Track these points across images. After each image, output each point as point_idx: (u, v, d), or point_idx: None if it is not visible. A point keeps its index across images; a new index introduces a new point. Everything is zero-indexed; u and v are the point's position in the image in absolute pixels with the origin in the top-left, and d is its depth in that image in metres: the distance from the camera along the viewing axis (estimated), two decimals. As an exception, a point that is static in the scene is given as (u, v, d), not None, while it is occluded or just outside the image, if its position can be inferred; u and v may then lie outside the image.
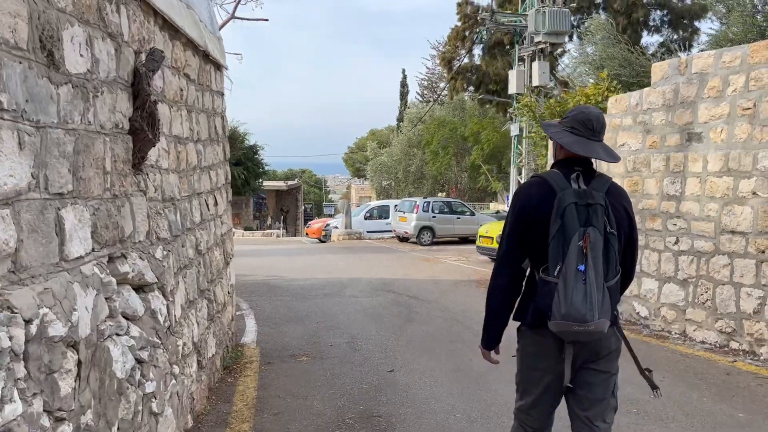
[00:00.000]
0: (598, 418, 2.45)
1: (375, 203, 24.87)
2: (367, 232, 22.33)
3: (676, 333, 6.83)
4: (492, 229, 13.96)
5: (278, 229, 31.12)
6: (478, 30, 24.25)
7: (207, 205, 5.05)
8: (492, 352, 2.63)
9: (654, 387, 2.65)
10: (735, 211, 6.08)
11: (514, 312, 2.51)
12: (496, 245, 12.18)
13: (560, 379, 2.39)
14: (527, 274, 2.46)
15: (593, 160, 2.41)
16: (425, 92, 42.78)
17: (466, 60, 27.00)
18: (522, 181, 19.87)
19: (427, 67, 45.38)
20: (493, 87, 26.66)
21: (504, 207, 24.91)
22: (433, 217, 19.82)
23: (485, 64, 26.45)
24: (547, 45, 21.17)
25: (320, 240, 22.81)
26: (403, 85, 48.40)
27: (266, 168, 40.09)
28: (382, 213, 23.90)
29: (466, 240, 20.41)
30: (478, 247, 14.80)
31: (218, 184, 5.68)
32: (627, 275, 2.51)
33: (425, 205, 19.84)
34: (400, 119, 45.76)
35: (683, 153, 6.73)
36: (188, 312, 4.03)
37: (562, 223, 2.22)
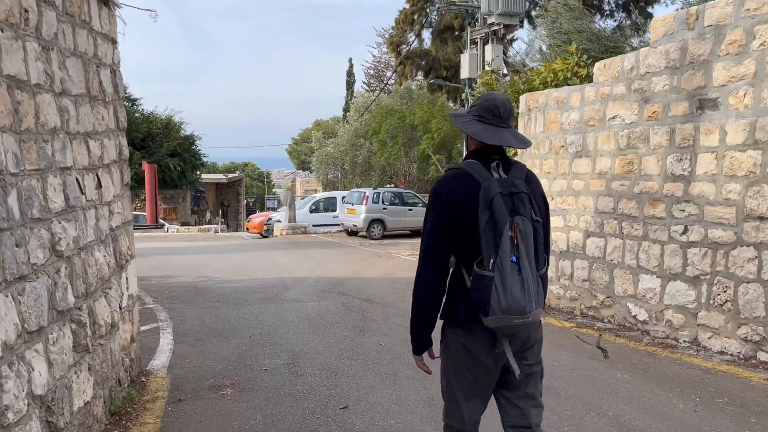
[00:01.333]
0: (531, 408, 2.39)
1: (321, 195, 23.32)
2: (313, 225, 20.80)
3: (685, 341, 5.70)
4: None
5: (218, 224, 29.17)
6: (428, 10, 23.00)
7: (80, 187, 3.53)
8: (425, 356, 2.48)
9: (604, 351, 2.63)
10: (764, 191, 4.96)
11: (440, 312, 2.40)
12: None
13: (491, 375, 2.34)
14: (452, 270, 2.35)
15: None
16: (372, 81, 41.38)
17: (415, 44, 25.78)
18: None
19: (374, 56, 44.17)
20: (443, 73, 25.56)
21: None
22: (384, 209, 18.49)
23: (435, 49, 25.30)
24: (501, 27, 20.12)
25: (262, 235, 21.15)
26: (350, 74, 46.86)
27: (205, 160, 37.91)
28: (329, 205, 22.42)
29: (419, 233, 19.22)
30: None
31: (105, 160, 4.15)
32: (547, 263, 2.39)
33: (375, 196, 18.48)
34: (346, 109, 44.25)
35: (693, 124, 5.59)
36: (22, 351, 2.54)
37: (491, 214, 2.14)
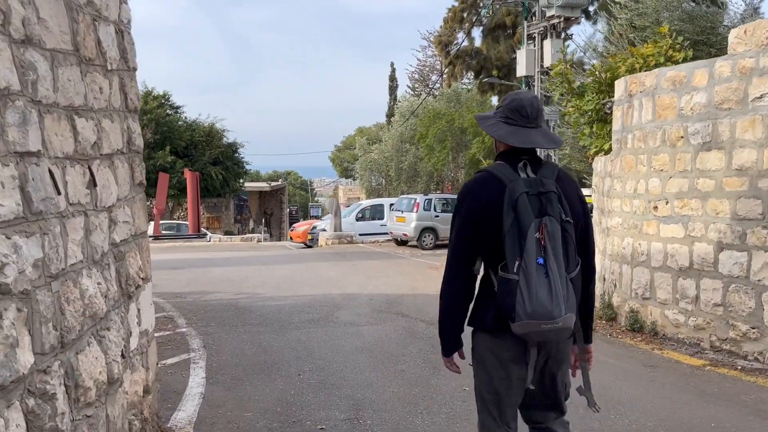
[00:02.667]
0: (552, 422, 2.35)
1: (367, 202, 22.14)
2: (359, 234, 19.64)
3: None
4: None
5: (261, 233, 28.34)
6: (481, 4, 21.66)
7: (55, 184, 2.36)
8: (455, 357, 2.40)
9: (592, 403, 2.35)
10: None
11: (468, 318, 2.33)
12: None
13: (523, 387, 2.23)
14: (481, 275, 2.30)
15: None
16: (416, 85, 40.16)
17: (465, 44, 24.46)
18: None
19: (418, 59, 43.03)
20: (496, 73, 24.15)
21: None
22: (436, 216, 17.19)
23: (486, 48, 23.94)
24: (561, 20, 18.66)
25: (306, 245, 20.09)
26: (392, 79, 45.71)
27: (248, 168, 37.30)
28: (376, 213, 21.24)
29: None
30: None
31: (104, 149, 2.99)
32: (589, 270, 2.30)
33: (426, 202, 17.20)
34: (389, 114, 43.13)
35: None
36: None
37: (516, 215, 2.07)
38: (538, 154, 2.35)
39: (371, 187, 37.12)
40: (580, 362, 2.34)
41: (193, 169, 28.80)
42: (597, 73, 9.72)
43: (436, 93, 31.68)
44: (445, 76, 27.12)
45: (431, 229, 17.05)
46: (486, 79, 22.97)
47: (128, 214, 3.32)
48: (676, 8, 9.63)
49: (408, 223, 17.07)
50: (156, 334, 3.98)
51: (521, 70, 19.53)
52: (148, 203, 30.96)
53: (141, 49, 4.57)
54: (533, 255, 2.01)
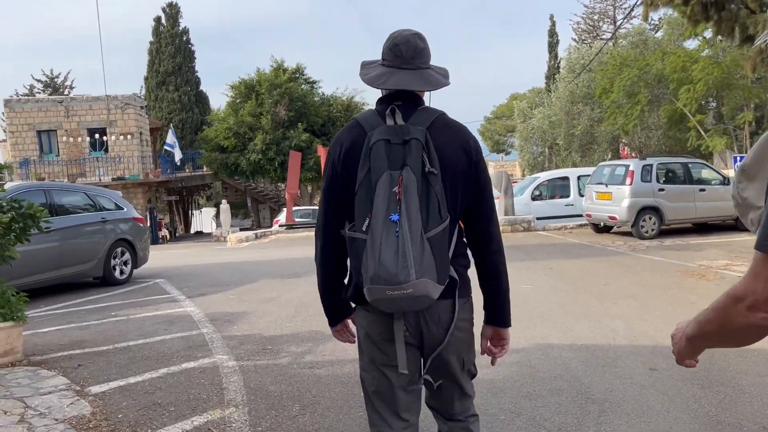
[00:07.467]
0: (450, 412, 2.02)
1: (546, 175, 16.94)
2: (537, 219, 14.71)
3: None
4: None
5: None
6: None
7: None
8: (342, 326, 2.12)
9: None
10: None
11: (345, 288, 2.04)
12: None
13: (402, 371, 1.88)
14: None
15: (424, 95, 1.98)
16: (584, 36, 33.83)
17: (667, -41, 18.22)
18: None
19: (585, 5, 36.49)
20: (713, -5, 17.71)
21: (727, 172, 15.99)
22: (660, 190, 11.78)
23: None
24: None
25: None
26: (552, 34, 39.38)
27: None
28: (555, 190, 16.11)
29: (713, 227, 12.29)
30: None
31: None
32: (483, 229, 1.96)
33: (644, 171, 11.83)
34: (550, 76, 37.18)
35: None
36: None
37: (369, 165, 1.78)
38: (426, 101, 1.98)
39: (533, 160, 31.66)
40: (487, 348, 2.03)
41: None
42: None
43: (618, 37, 25.51)
44: (640, 4, 20.92)
45: (653, 209, 11.70)
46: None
47: None
48: None
49: (617, 201, 11.84)
50: None
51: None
52: (280, 187, 27.75)
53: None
54: (383, 211, 1.71)
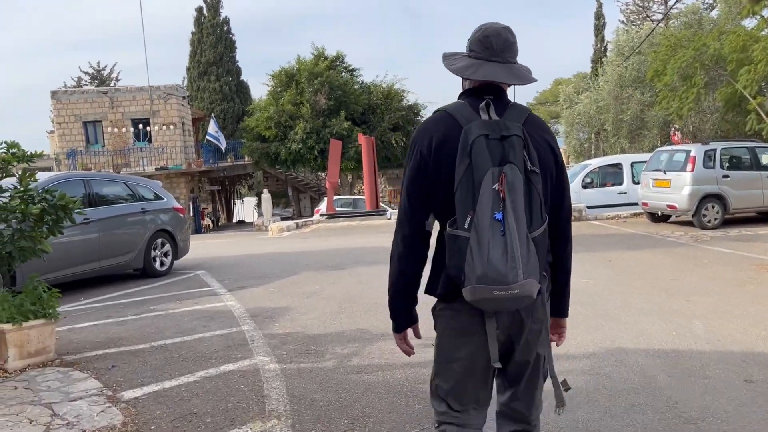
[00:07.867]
0: (523, 410, 1.95)
1: (598, 161, 16.17)
2: (588, 208, 14.05)
3: None
4: None
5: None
6: None
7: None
8: (408, 334, 2.03)
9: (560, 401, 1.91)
10: None
11: (427, 284, 1.94)
12: None
13: (487, 363, 1.84)
14: (439, 233, 1.91)
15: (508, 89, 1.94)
16: (633, 17, 32.51)
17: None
18: None
19: (633, -15, 35.06)
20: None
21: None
22: (725, 177, 11.01)
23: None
24: None
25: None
26: (598, 16, 37.93)
27: (432, 133, 32.84)
28: (607, 177, 15.38)
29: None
30: None
31: None
32: (562, 231, 1.96)
33: (706, 156, 11.08)
34: (596, 59, 35.91)
35: None
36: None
37: (470, 161, 1.71)
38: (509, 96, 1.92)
39: (579, 146, 30.64)
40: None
41: (371, 136, 24.83)
42: None
43: (670, 17, 24.33)
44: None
45: (717, 197, 10.95)
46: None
47: None
48: None
49: (676, 189, 11.12)
50: None
51: None
52: (321, 176, 27.58)
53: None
54: (489, 209, 1.66)
